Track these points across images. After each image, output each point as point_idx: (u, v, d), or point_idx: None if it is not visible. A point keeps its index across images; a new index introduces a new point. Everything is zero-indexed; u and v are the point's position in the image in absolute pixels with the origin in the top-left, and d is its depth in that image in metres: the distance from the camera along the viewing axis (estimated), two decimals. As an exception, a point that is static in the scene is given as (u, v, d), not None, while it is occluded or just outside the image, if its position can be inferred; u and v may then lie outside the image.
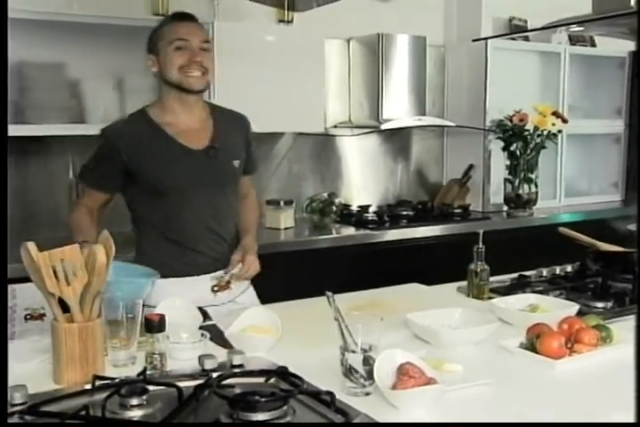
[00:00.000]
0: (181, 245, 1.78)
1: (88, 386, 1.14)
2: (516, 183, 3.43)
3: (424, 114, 3.34)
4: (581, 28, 2.29)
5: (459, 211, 3.31)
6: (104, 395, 1.07)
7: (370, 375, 1.14)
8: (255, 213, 2.02)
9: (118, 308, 1.26)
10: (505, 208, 3.50)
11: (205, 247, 1.80)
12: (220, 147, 1.80)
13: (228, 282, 1.82)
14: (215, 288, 1.80)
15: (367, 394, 1.15)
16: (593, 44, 3.93)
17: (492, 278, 1.85)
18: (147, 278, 1.53)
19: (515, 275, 2.02)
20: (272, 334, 1.40)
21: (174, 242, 1.77)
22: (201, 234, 1.80)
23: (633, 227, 2.08)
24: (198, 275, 1.79)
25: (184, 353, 1.32)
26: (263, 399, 1.03)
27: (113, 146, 1.74)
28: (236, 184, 1.90)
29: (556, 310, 1.57)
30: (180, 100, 1.77)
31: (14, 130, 2.29)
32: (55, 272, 1.19)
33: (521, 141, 3.38)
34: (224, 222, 1.85)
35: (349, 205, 3.29)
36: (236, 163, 1.85)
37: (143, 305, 1.34)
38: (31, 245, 1.18)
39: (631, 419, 1.10)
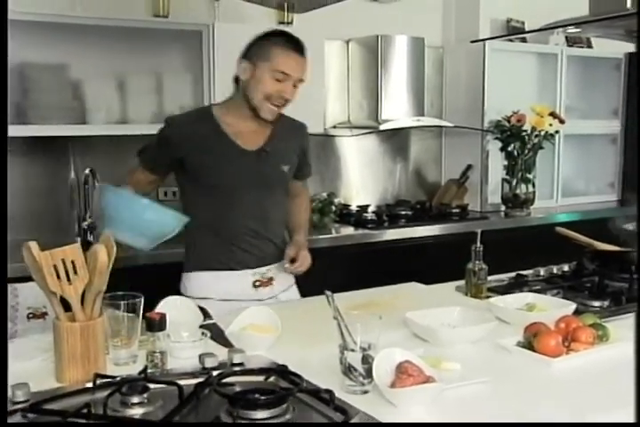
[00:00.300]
0: (227, 241, 1.83)
1: (89, 384, 1.15)
2: (514, 183, 3.44)
3: (422, 114, 3.36)
4: (578, 30, 2.31)
5: (457, 211, 3.32)
6: (105, 393, 1.08)
7: (369, 374, 1.14)
8: (306, 212, 2.09)
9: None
10: (502, 208, 3.51)
11: (249, 246, 1.85)
12: (271, 150, 1.85)
13: (271, 278, 1.86)
14: (257, 283, 1.84)
15: (366, 392, 1.16)
16: (590, 46, 3.94)
17: (489, 278, 1.86)
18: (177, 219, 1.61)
19: (512, 274, 2.03)
20: (272, 333, 1.41)
21: (220, 237, 1.83)
22: (246, 232, 1.85)
23: (629, 227, 2.09)
24: (239, 270, 1.84)
25: (185, 352, 1.33)
26: (263, 397, 1.04)
27: (169, 135, 1.81)
28: (285, 188, 1.95)
29: (553, 308, 1.59)
30: (251, 116, 1.81)
31: (16, 130, 2.30)
32: (57, 271, 1.20)
33: (518, 142, 3.40)
34: (271, 223, 1.89)
35: (348, 205, 3.31)
36: (285, 168, 1.90)
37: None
38: (33, 245, 1.19)
39: (628, 416, 1.12)
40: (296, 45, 1.77)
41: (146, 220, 1.56)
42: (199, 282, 1.84)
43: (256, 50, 1.78)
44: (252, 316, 1.47)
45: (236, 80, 1.82)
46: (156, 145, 1.86)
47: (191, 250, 1.89)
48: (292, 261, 1.85)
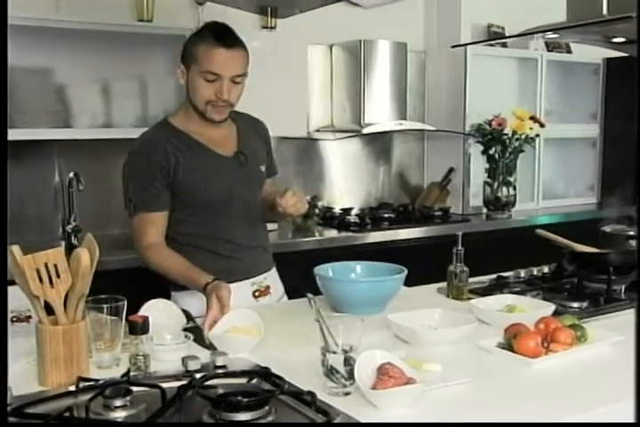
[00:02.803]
0: (219, 254, 1.75)
1: (72, 388, 1.15)
2: (495, 186, 3.48)
3: (405, 118, 3.38)
4: (557, 36, 2.34)
5: (439, 213, 3.35)
6: (88, 396, 1.08)
7: (350, 376, 1.15)
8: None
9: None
10: (484, 210, 3.54)
11: (243, 254, 1.79)
12: (247, 152, 1.79)
13: (268, 287, 1.84)
14: (256, 293, 1.82)
15: (348, 394, 1.16)
16: (569, 51, 4.00)
17: (471, 279, 1.87)
18: None
19: (493, 276, 2.05)
20: (254, 336, 1.41)
21: (212, 252, 1.75)
22: (239, 241, 1.78)
23: (607, 229, 2.12)
24: (238, 281, 1.74)
25: (168, 355, 1.33)
26: (245, 400, 1.04)
27: (150, 162, 1.68)
28: (261, 189, 1.87)
29: (532, 310, 1.60)
30: (204, 119, 1.73)
31: None
32: (39, 275, 1.20)
33: (500, 145, 3.43)
34: (259, 227, 1.86)
35: (332, 208, 3.32)
36: (262, 167, 1.85)
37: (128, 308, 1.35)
38: (15, 249, 1.19)
39: (608, 415, 1.14)
40: (223, 39, 1.62)
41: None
42: (196, 301, 1.64)
43: (187, 50, 1.68)
44: (235, 318, 1.47)
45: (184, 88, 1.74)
46: (143, 179, 1.69)
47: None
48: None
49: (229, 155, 1.78)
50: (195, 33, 1.72)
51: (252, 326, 1.44)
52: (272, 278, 1.90)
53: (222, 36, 1.65)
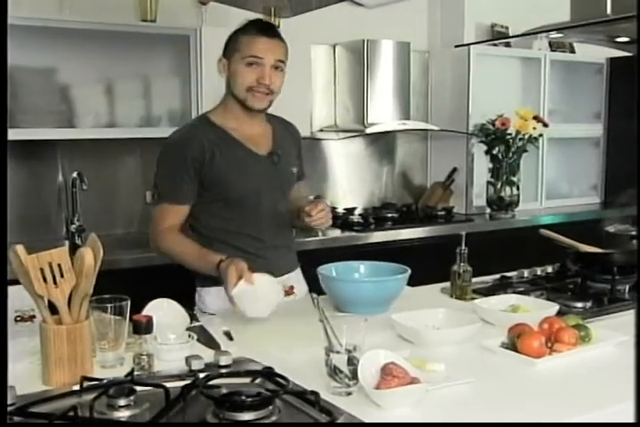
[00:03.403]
0: (246, 251, 1.74)
1: (76, 387, 1.15)
2: (499, 186, 3.47)
3: (408, 118, 3.38)
4: (560, 35, 2.34)
5: (442, 213, 3.35)
6: (92, 396, 1.08)
7: (354, 375, 1.15)
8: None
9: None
10: (487, 210, 3.54)
11: (269, 253, 1.79)
12: (281, 153, 1.82)
13: (292, 287, 1.84)
14: None
15: (351, 394, 1.16)
16: (572, 51, 3.99)
17: (474, 279, 1.87)
18: None
19: (497, 276, 2.05)
20: (275, 298, 1.42)
21: (238, 249, 1.74)
22: (265, 239, 1.80)
23: (611, 229, 2.11)
24: None
25: (171, 354, 1.33)
26: (249, 399, 1.04)
27: (184, 154, 1.70)
28: (290, 191, 1.91)
29: (536, 310, 1.60)
30: (244, 110, 1.76)
31: (2, 133, 2.29)
32: (43, 274, 1.20)
33: (503, 145, 3.43)
34: (285, 227, 1.87)
35: (335, 208, 3.32)
36: (294, 169, 1.88)
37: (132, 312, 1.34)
38: (20, 248, 1.19)
39: (612, 415, 1.14)
40: (264, 28, 1.71)
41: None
42: (216, 297, 1.71)
43: (229, 44, 1.75)
44: (256, 282, 1.48)
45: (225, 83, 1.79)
46: (174, 172, 1.72)
47: None
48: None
49: (264, 153, 1.81)
50: (238, 29, 1.77)
51: (272, 290, 1.45)
52: (296, 278, 1.91)
53: (264, 27, 1.72)
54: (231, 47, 1.74)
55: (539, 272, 2.09)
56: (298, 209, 1.76)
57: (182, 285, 2.41)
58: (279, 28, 3.06)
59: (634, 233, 2.06)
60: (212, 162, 1.71)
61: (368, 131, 3.25)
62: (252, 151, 1.78)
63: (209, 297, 1.78)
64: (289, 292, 1.83)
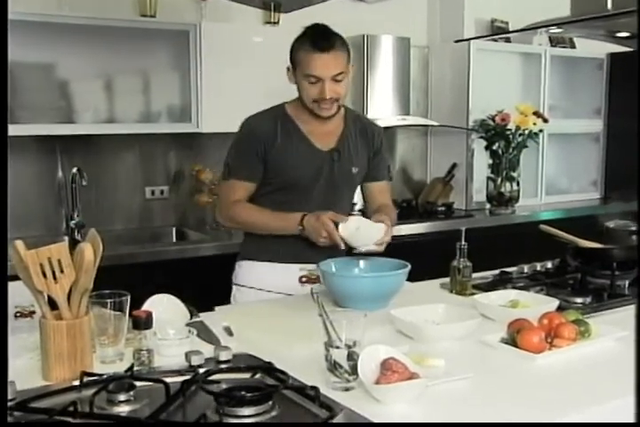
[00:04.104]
0: (280, 236, 1.82)
1: (76, 382, 1.15)
2: (499, 181, 3.47)
3: (408, 113, 3.38)
4: (560, 30, 2.33)
5: (442, 209, 3.35)
6: (92, 391, 1.08)
7: (354, 370, 1.15)
8: (392, 215, 1.92)
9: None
10: (487, 206, 3.54)
11: (304, 243, 1.81)
12: (343, 151, 1.87)
13: (318, 277, 1.83)
14: (303, 279, 1.87)
15: (351, 389, 1.16)
16: (573, 46, 3.99)
17: (474, 275, 1.87)
18: None
19: (496, 271, 2.05)
20: (377, 231, 1.64)
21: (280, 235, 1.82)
22: None
23: (611, 224, 2.11)
24: (286, 263, 1.87)
25: (171, 349, 1.33)
26: (249, 395, 1.04)
27: (254, 136, 1.83)
28: (351, 191, 1.97)
29: (536, 305, 1.60)
30: (313, 114, 1.83)
31: (2, 129, 2.29)
32: (43, 270, 1.20)
33: (503, 141, 3.43)
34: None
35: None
36: (355, 169, 1.91)
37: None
38: (19, 244, 1.19)
39: (611, 412, 1.14)
40: (319, 43, 1.72)
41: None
42: (248, 270, 1.90)
43: (292, 53, 1.80)
44: (356, 221, 1.66)
45: None
46: (245, 151, 1.84)
47: (248, 239, 1.95)
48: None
49: (325, 149, 1.87)
50: (297, 37, 1.80)
51: (373, 226, 1.67)
52: None
53: (319, 40, 1.73)
54: (293, 59, 1.79)
55: (538, 268, 2.09)
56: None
57: (182, 280, 2.42)
58: (278, 23, 3.08)
59: (634, 228, 2.06)
60: (272, 148, 1.82)
61: (368, 126, 3.24)
62: (313, 145, 1.86)
63: (249, 268, 1.92)
64: (314, 280, 1.86)
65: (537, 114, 3.44)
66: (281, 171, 1.83)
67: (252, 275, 1.90)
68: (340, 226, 1.67)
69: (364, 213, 3.13)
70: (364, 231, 1.67)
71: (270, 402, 1.05)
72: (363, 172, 1.96)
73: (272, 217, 1.82)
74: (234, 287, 1.95)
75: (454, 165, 3.59)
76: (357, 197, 3.43)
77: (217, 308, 1.70)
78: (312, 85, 1.75)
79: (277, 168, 1.83)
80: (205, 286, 2.27)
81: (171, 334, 1.38)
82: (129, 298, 1.32)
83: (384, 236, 1.71)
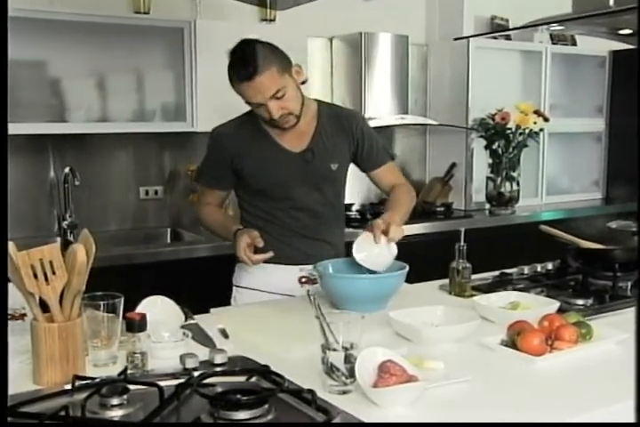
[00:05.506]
0: (275, 238, 1.84)
1: (68, 386, 1.13)
2: (498, 181, 3.46)
3: (407, 112, 3.36)
4: (562, 27, 2.32)
5: (441, 209, 3.33)
6: (84, 395, 1.07)
7: (351, 373, 1.14)
8: (402, 197, 1.93)
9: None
10: (487, 206, 3.53)
11: (294, 239, 1.87)
12: (317, 150, 1.85)
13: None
14: (303, 279, 1.86)
15: (348, 392, 1.15)
16: (574, 44, 3.97)
17: (473, 276, 1.86)
18: None
19: (496, 272, 2.04)
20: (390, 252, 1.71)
21: (269, 234, 1.82)
22: (294, 231, 1.87)
23: (613, 225, 2.10)
24: (284, 264, 1.87)
25: (165, 352, 1.32)
26: (244, 398, 1.03)
27: (221, 147, 1.86)
28: (338, 187, 1.94)
29: (536, 307, 1.59)
30: None
31: (-6, 128, 2.27)
32: (35, 271, 1.18)
33: (503, 140, 3.41)
34: (322, 223, 1.89)
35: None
36: (334, 166, 1.88)
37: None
38: (10, 245, 1.17)
39: (612, 414, 1.13)
40: (241, 72, 1.67)
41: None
42: (248, 272, 1.90)
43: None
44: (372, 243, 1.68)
45: None
46: (211, 160, 1.90)
47: None
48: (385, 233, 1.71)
49: (297, 151, 1.84)
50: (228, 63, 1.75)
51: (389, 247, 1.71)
52: None
53: (240, 69, 1.69)
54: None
55: (539, 269, 2.08)
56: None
57: (177, 281, 2.40)
58: (274, 20, 3.06)
59: (635, 229, 2.04)
60: (242, 156, 1.83)
61: (366, 125, 3.22)
62: (284, 149, 1.84)
63: (239, 272, 1.94)
64: (313, 281, 1.84)
65: (537, 113, 3.42)
66: (255, 176, 1.85)
67: (251, 276, 1.90)
68: (354, 249, 1.69)
69: (363, 213, 3.14)
70: (376, 256, 1.68)
71: (266, 406, 1.04)
72: (346, 165, 1.93)
73: (219, 226, 1.91)
74: (234, 289, 1.95)
75: (453, 165, 3.58)
76: (356, 198, 3.45)
77: (212, 310, 1.69)
78: (258, 108, 1.74)
79: (251, 174, 1.85)
80: (200, 287, 2.26)
81: (165, 336, 1.37)
82: (122, 300, 1.30)
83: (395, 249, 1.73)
